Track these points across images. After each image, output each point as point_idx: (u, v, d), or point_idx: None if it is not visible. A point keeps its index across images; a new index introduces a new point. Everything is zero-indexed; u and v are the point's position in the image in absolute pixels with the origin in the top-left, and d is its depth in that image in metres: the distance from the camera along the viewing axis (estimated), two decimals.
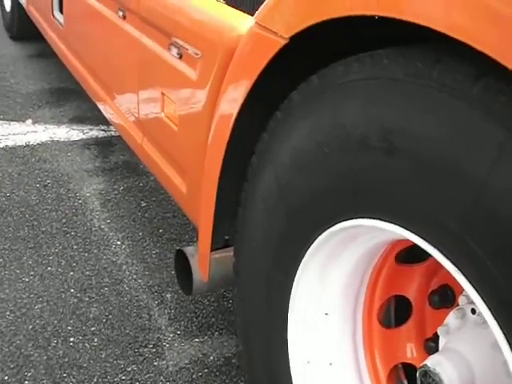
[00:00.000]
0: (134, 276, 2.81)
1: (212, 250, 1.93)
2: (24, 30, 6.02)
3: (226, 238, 1.98)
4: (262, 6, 1.54)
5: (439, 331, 1.48)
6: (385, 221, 1.24)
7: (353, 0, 1.23)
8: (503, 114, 0.98)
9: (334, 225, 1.38)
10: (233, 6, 1.99)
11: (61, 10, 3.98)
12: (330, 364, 1.66)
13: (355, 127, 1.27)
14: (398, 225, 1.21)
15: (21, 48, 6.14)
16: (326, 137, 1.36)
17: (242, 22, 1.78)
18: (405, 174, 1.15)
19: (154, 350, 2.41)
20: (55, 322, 2.52)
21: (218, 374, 2.32)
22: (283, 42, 1.42)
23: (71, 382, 2.25)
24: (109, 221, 3.23)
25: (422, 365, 1.38)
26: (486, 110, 1.00)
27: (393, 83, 1.19)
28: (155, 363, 2.35)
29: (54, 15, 4.13)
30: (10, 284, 2.73)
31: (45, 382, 2.24)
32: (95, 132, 4.31)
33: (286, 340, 1.64)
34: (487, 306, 1.06)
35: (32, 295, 2.66)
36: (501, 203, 0.98)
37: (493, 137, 0.98)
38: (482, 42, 0.95)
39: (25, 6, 5.31)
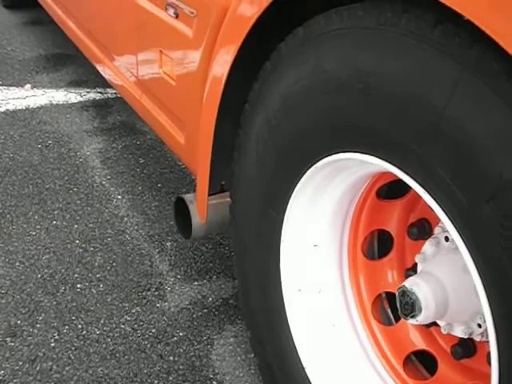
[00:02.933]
0: (136, 227, 2.97)
1: (209, 195, 2.08)
2: None
3: (222, 183, 2.13)
4: None
5: (417, 259, 1.62)
6: (363, 153, 1.39)
7: None
8: (458, 53, 1.13)
9: (318, 160, 1.53)
10: None
11: None
12: (319, 292, 1.82)
13: (336, 71, 1.42)
14: (375, 156, 1.36)
15: (15, 16, 6.17)
16: (311, 81, 1.51)
17: None
18: (379, 110, 1.31)
19: (157, 293, 2.57)
20: (62, 270, 2.67)
21: (216, 313, 2.48)
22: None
23: (80, 324, 2.41)
24: (109, 177, 3.37)
25: (400, 285, 1.54)
26: (444, 50, 1.15)
27: (367, 31, 1.34)
28: (158, 305, 2.51)
29: None
30: (17, 237, 2.87)
31: (55, 324, 2.40)
32: (92, 95, 4.43)
33: (279, 270, 1.80)
34: (457, 231, 1.21)
35: (39, 247, 2.81)
36: (458, 129, 1.13)
37: (449, 72, 1.14)
38: None
39: None
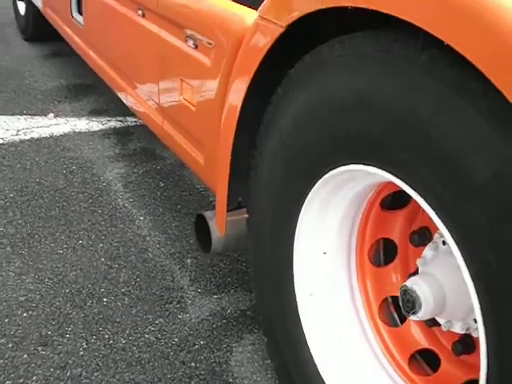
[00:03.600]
0: (157, 245, 3.14)
1: (228, 211, 2.25)
2: (38, 31, 6.32)
3: (239, 200, 2.30)
4: (264, 2, 1.88)
5: (418, 263, 1.77)
6: (365, 164, 1.56)
7: None
8: (442, 75, 1.31)
9: (326, 173, 1.70)
10: (240, 3, 2.31)
11: (79, 12, 4.30)
12: (330, 295, 1.97)
13: (339, 92, 1.60)
14: (375, 166, 1.53)
15: (35, 48, 6.44)
16: (317, 101, 1.68)
17: (248, 16, 2.10)
18: (377, 124, 1.48)
19: (178, 305, 2.73)
20: (89, 285, 2.84)
21: (235, 323, 2.64)
22: (281, 30, 1.75)
23: (106, 334, 2.57)
24: (131, 200, 3.55)
25: (402, 285, 1.70)
26: (430, 73, 1.33)
27: (365, 56, 1.52)
28: (179, 316, 2.67)
29: (73, 16, 4.44)
30: (46, 256, 3.04)
31: (83, 334, 2.56)
32: (113, 123, 4.63)
33: (293, 276, 1.96)
34: (450, 235, 1.37)
35: (67, 264, 2.98)
36: (445, 138, 1.30)
37: (435, 91, 1.31)
38: (429, 25, 1.28)
39: (41, 8, 5.54)
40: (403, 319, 1.96)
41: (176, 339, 2.54)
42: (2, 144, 4.26)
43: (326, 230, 1.90)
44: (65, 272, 2.93)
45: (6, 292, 2.78)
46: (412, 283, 1.67)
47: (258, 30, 1.89)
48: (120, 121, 4.64)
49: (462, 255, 1.34)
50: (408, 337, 1.97)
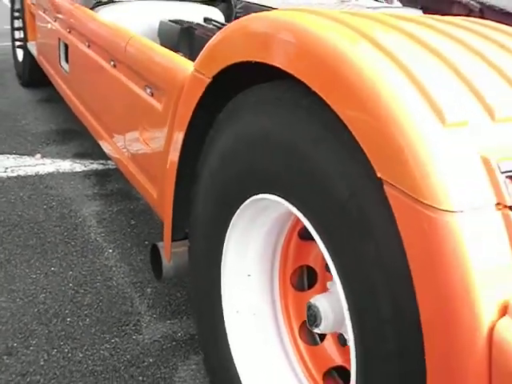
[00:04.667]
0: (122, 275, 3.44)
1: (173, 240, 2.56)
2: (33, 77, 6.72)
3: (186, 231, 2.61)
4: (198, 57, 2.24)
5: (328, 285, 2.08)
6: (270, 194, 1.88)
7: (237, 53, 1.93)
8: (320, 116, 1.64)
9: (243, 202, 2.01)
10: (187, 58, 2.68)
11: (66, 60, 4.67)
12: (254, 314, 2.27)
13: (250, 130, 1.94)
14: (281, 197, 1.85)
15: (30, 93, 6.87)
16: (236, 140, 2.02)
17: (189, 68, 2.44)
18: (273, 157, 1.81)
19: (134, 327, 3.02)
20: (56, 306, 3.14)
21: (183, 345, 2.93)
22: (208, 81, 2.10)
23: (66, 348, 2.85)
24: (103, 234, 3.86)
25: (307, 302, 2.00)
26: (310, 114, 1.67)
27: (268, 102, 1.87)
28: (134, 337, 2.95)
29: (60, 64, 4.81)
30: (20, 279, 3.34)
31: (45, 347, 2.84)
32: (95, 165, 4.97)
33: (221, 296, 2.26)
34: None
35: (38, 287, 3.28)
36: (318, 166, 1.62)
37: (315, 128, 1.64)
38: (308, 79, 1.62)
39: (36, 56, 5.98)
40: (322, 338, 2.24)
41: (128, 356, 2.83)
42: None
43: (249, 255, 2.20)
44: (35, 294, 3.23)
45: None
46: (315, 300, 1.96)
47: (192, 80, 2.23)
48: (101, 163, 4.98)
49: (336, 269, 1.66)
50: (324, 354, 2.25)
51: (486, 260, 1.22)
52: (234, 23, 2.07)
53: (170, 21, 3.45)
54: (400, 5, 3.37)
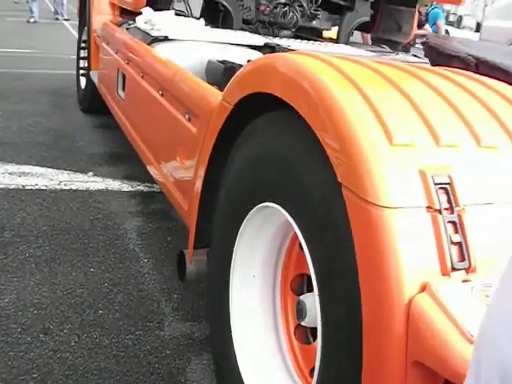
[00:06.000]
0: (153, 281, 3.82)
1: (196, 248, 2.94)
2: (93, 104, 7.24)
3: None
4: (225, 88, 2.63)
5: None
6: (271, 202, 2.25)
7: (252, 86, 2.33)
8: (298, 138, 2.02)
9: (250, 210, 2.39)
10: (217, 88, 3.10)
11: (123, 89, 5.13)
12: (255, 311, 2.62)
13: (258, 150, 2.33)
14: (279, 204, 2.21)
15: (89, 119, 7.47)
16: (252, 157, 2.40)
17: (218, 97, 2.84)
18: (272, 170, 2.19)
19: (157, 324, 3.39)
20: (90, 300, 3.53)
21: (198, 344, 3.28)
22: (231, 108, 2.50)
23: (95, 335, 3.23)
24: (141, 246, 4.26)
25: (297, 299, 2.34)
26: (291, 140, 2.06)
27: (269, 129, 2.27)
28: (156, 332, 3.32)
29: (117, 92, 5.28)
30: (62, 275, 3.75)
31: (77, 332, 3.22)
32: (141, 187, 5.40)
33: (229, 296, 2.61)
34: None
35: (77, 283, 3.68)
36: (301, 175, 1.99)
37: (302, 146, 2.02)
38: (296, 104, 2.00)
39: (97, 84, 6.49)
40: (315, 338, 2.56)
41: (148, 347, 3.20)
42: (45, 190, 5.05)
43: (255, 259, 2.55)
44: (74, 288, 3.63)
45: (24, 295, 3.49)
46: (304, 297, 2.31)
47: (219, 107, 2.64)
48: (147, 186, 5.41)
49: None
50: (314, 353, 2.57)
51: (413, 248, 1.58)
52: (254, 61, 2.48)
53: (217, 61, 3.88)
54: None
